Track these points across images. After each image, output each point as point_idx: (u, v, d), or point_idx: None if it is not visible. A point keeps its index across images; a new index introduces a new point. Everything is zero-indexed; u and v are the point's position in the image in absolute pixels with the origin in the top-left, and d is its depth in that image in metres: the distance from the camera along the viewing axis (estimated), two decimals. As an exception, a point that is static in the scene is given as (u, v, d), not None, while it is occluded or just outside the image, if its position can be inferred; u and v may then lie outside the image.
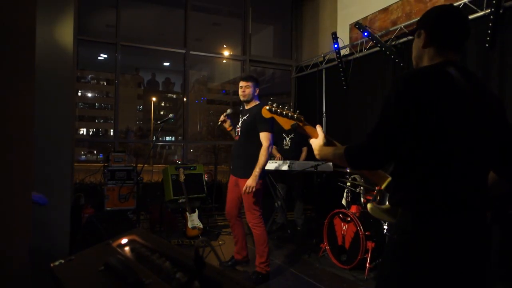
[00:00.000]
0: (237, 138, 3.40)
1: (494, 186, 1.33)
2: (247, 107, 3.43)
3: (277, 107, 1.61)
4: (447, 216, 1.14)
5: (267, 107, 1.63)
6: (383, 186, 1.51)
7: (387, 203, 1.43)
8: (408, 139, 1.16)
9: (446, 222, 1.14)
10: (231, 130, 3.56)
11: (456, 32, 1.32)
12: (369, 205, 1.52)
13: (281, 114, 1.60)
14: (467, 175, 1.18)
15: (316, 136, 1.54)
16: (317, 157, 1.50)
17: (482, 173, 1.25)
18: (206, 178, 5.69)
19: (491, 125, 1.25)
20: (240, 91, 3.38)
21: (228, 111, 3.53)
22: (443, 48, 1.31)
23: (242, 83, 3.37)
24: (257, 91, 3.39)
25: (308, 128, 1.58)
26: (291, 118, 1.59)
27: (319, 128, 1.55)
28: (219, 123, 3.51)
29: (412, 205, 1.19)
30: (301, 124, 1.58)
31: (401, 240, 1.20)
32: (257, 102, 3.41)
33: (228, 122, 3.53)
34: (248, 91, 3.34)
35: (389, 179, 1.50)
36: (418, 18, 1.42)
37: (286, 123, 1.60)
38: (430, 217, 1.15)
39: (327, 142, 1.51)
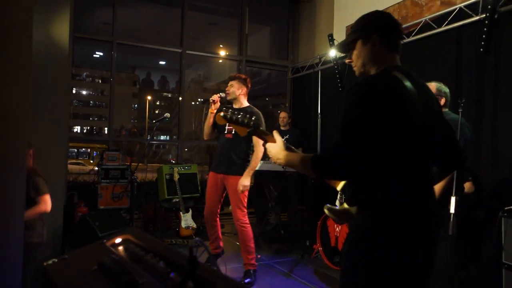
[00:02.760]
0: (230, 136, 3.36)
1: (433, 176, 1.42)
2: (235, 106, 3.45)
3: (232, 114, 1.59)
4: (404, 214, 1.21)
5: (222, 114, 1.61)
6: (338, 188, 1.53)
7: (344, 204, 1.46)
8: (369, 145, 1.19)
9: (403, 220, 1.21)
10: (213, 113, 3.42)
11: (400, 35, 1.40)
12: (325, 207, 1.55)
13: (236, 122, 1.57)
14: (420, 176, 1.27)
15: (273, 142, 1.53)
16: (276, 161, 1.48)
17: (431, 170, 1.35)
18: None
19: (434, 124, 1.34)
20: (226, 89, 3.46)
21: (222, 94, 3.47)
22: (392, 51, 1.37)
23: (229, 82, 3.46)
24: (242, 90, 3.40)
25: (265, 135, 1.57)
26: (247, 125, 1.57)
27: (276, 134, 1.54)
28: (211, 101, 3.41)
29: (371, 206, 1.24)
30: (258, 131, 1.57)
31: (360, 237, 1.25)
32: (246, 103, 3.45)
33: (218, 105, 3.43)
34: (231, 90, 3.40)
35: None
36: (358, 25, 1.41)
37: (241, 131, 1.59)
38: (389, 216, 1.21)
39: (287, 148, 1.50)
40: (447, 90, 2.70)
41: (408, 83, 1.26)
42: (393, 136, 1.19)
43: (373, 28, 1.37)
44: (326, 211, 1.54)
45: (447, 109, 2.72)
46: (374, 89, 1.22)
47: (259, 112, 3.37)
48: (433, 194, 1.33)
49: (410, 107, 1.22)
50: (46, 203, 2.48)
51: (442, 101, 2.66)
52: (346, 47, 1.47)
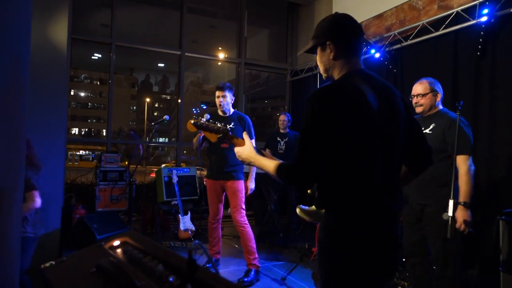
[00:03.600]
0: (226, 145, 3.49)
1: (403, 178, 1.47)
2: (224, 114, 3.55)
3: (202, 121, 1.63)
4: (364, 216, 1.26)
5: (192, 121, 1.66)
6: (308, 190, 1.56)
7: (313, 206, 1.51)
8: (329, 152, 1.24)
9: (362, 222, 1.26)
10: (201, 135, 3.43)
11: (358, 38, 1.39)
12: (297, 207, 1.60)
13: (206, 128, 1.63)
14: (382, 179, 1.30)
15: (242, 145, 1.57)
16: (244, 161, 1.53)
17: (396, 172, 1.38)
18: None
19: (398, 125, 1.36)
20: (218, 100, 3.49)
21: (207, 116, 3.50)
22: (350, 56, 1.38)
23: (219, 92, 3.49)
24: (232, 99, 3.56)
25: (235, 140, 1.60)
26: (217, 131, 1.61)
27: (245, 136, 1.58)
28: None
29: (334, 207, 1.30)
30: (227, 137, 1.61)
31: (326, 238, 1.31)
32: (233, 109, 3.60)
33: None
34: (225, 101, 3.48)
35: None
36: (316, 31, 1.43)
37: (212, 137, 1.64)
38: (350, 218, 1.26)
39: (257, 151, 1.54)
40: (439, 84, 2.68)
41: (366, 88, 1.28)
42: (350, 142, 1.23)
43: (327, 35, 1.39)
44: (298, 212, 1.60)
45: (442, 107, 2.68)
46: (327, 99, 1.25)
47: (247, 116, 3.58)
48: (395, 194, 1.35)
49: (366, 112, 1.25)
50: (34, 199, 2.49)
51: (439, 97, 2.62)
52: (310, 52, 1.50)
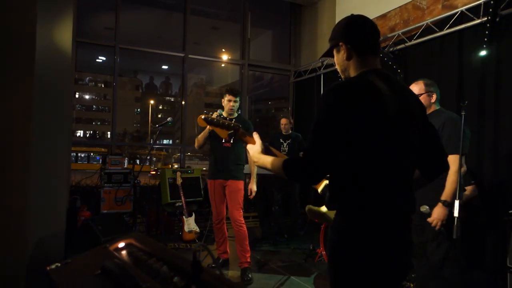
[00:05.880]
0: (228, 145, 3.55)
1: (416, 182, 1.43)
2: (230, 116, 3.59)
3: (213, 117, 1.63)
4: (377, 218, 1.24)
5: (203, 117, 1.65)
6: (319, 190, 1.54)
7: (323, 207, 1.48)
8: (342, 150, 1.22)
9: (376, 224, 1.24)
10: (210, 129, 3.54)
11: (371, 37, 1.39)
12: (307, 207, 1.57)
13: (217, 124, 1.61)
14: (395, 181, 1.28)
15: (253, 144, 1.56)
16: (255, 163, 1.51)
17: (409, 174, 1.35)
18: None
19: (413, 127, 1.34)
20: (230, 105, 3.52)
21: (219, 111, 3.54)
22: (364, 55, 1.37)
23: (231, 97, 3.54)
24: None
25: (247, 137, 1.59)
26: (227, 127, 1.60)
27: (256, 135, 1.56)
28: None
29: (346, 209, 1.27)
30: (238, 133, 1.60)
31: (338, 240, 1.28)
32: (237, 113, 3.66)
33: None
34: (236, 105, 3.56)
35: (325, 182, 1.53)
36: (331, 34, 1.44)
37: (222, 132, 1.63)
38: (363, 220, 1.24)
39: (265, 150, 1.52)
40: (435, 85, 2.68)
41: (381, 86, 1.27)
42: (363, 138, 1.21)
43: (339, 36, 1.40)
44: (307, 211, 1.57)
45: (439, 107, 2.67)
46: (342, 93, 1.24)
47: (249, 121, 3.71)
48: (408, 196, 1.33)
49: (381, 111, 1.23)
50: None
51: (434, 98, 2.62)
52: (328, 55, 1.50)
